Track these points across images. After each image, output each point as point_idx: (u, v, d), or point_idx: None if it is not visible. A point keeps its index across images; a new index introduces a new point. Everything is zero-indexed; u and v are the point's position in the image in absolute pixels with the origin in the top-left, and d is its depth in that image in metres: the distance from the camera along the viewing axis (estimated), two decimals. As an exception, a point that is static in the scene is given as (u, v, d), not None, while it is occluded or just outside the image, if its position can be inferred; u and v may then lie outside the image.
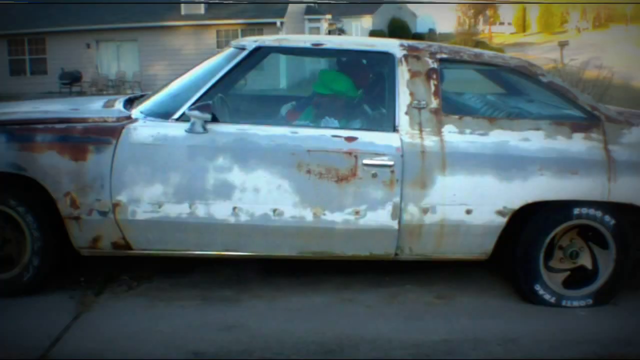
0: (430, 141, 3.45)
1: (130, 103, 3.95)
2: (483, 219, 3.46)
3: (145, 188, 3.40)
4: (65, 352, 3.04)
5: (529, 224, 3.54)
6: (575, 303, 3.62)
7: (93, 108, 3.90)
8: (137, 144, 3.42)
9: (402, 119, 3.49)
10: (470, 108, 4.13)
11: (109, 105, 3.95)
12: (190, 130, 3.40)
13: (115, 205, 3.42)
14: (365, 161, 3.40)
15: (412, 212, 3.43)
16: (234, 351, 3.08)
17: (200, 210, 3.42)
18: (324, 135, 3.47)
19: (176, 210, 3.42)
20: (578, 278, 3.67)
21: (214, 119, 3.45)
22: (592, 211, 3.52)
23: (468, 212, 3.44)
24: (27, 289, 3.58)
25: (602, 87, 10.72)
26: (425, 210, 3.43)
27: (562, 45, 19.40)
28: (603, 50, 25.38)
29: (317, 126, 3.64)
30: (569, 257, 3.64)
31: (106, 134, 3.45)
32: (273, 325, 3.34)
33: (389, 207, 3.42)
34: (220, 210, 3.42)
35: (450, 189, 3.42)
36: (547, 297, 3.60)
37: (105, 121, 3.54)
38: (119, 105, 3.88)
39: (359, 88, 4.01)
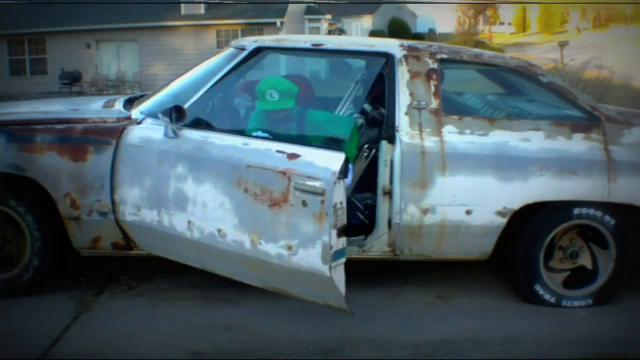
0: (430, 142, 3.45)
1: (130, 103, 3.95)
2: (483, 219, 3.45)
3: (136, 190, 3.36)
4: (65, 352, 3.04)
5: (529, 224, 3.54)
6: (575, 303, 3.62)
7: (93, 108, 3.90)
8: (130, 145, 3.42)
9: (402, 119, 3.49)
10: (470, 108, 4.13)
11: (108, 105, 3.95)
12: (165, 134, 3.30)
13: (115, 205, 3.42)
14: (297, 184, 2.90)
15: (412, 212, 3.43)
16: (234, 351, 3.09)
17: (165, 220, 3.27)
18: (269, 150, 3.07)
19: (149, 216, 3.33)
20: (578, 278, 3.67)
21: (204, 124, 3.36)
22: (592, 211, 3.52)
23: (468, 212, 3.44)
24: (27, 289, 3.58)
25: (602, 87, 10.71)
26: (425, 211, 3.43)
27: (562, 45, 19.39)
28: (603, 50, 25.35)
29: (271, 139, 3.26)
30: (569, 257, 3.65)
31: (106, 135, 3.45)
32: (273, 325, 3.34)
33: (318, 247, 2.84)
34: (179, 223, 3.22)
35: (450, 189, 3.42)
36: (547, 297, 3.60)
37: (105, 122, 3.54)
38: (118, 105, 3.88)
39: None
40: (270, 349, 3.10)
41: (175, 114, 3.21)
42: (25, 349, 3.04)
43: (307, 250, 2.87)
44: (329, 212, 2.80)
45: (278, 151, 3.04)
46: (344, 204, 2.86)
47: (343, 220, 2.88)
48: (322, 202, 2.81)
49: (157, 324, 3.34)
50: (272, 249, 2.98)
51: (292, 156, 2.98)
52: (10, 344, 3.09)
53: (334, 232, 2.82)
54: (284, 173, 2.93)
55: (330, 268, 2.82)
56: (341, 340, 3.20)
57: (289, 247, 2.92)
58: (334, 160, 2.87)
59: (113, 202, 3.42)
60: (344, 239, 2.87)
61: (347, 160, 2.88)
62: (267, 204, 2.95)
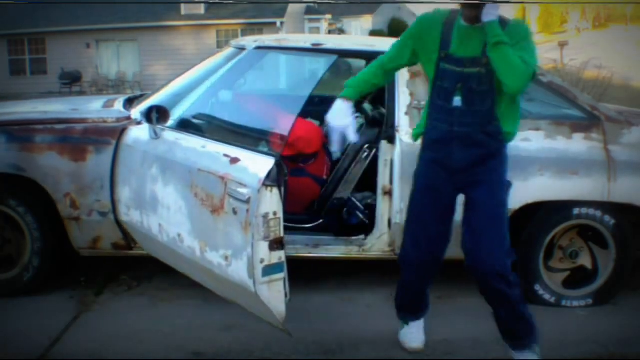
0: (430, 141, 3.44)
1: (130, 103, 3.95)
2: (483, 219, 3.44)
3: (127, 190, 3.35)
4: (65, 352, 3.04)
5: (529, 224, 3.53)
6: (575, 303, 3.62)
7: (93, 108, 3.89)
8: (126, 146, 3.41)
9: (402, 119, 3.49)
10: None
11: (108, 105, 3.95)
12: (149, 135, 3.25)
13: (115, 205, 3.42)
14: (230, 191, 2.68)
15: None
16: (234, 351, 3.09)
17: (145, 221, 3.21)
18: (218, 153, 2.88)
19: (135, 216, 3.29)
20: (578, 278, 3.67)
21: (193, 125, 3.32)
22: (592, 211, 3.52)
23: (468, 212, 3.43)
24: (27, 289, 3.58)
25: (602, 87, 10.70)
26: (425, 211, 3.41)
27: (562, 45, 19.38)
28: (603, 50, 25.34)
29: (228, 142, 3.00)
30: (569, 257, 3.64)
31: (106, 135, 3.45)
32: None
33: (244, 258, 2.62)
34: (154, 225, 3.15)
35: (450, 189, 3.40)
36: (547, 297, 3.60)
37: (105, 122, 3.54)
38: (118, 105, 3.88)
39: None
40: (270, 349, 3.10)
41: (156, 114, 3.14)
42: (25, 349, 3.03)
43: (238, 262, 2.65)
44: (253, 222, 2.55)
45: (225, 155, 2.84)
46: (280, 215, 2.59)
47: (278, 232, 2.60)
48: (248, 210, 2.57)
49: (157, 324, 3.34)
50: (214, 258, 2.79)
51: (234, 160, 2.78)
52: (10, 344, 3.09)
53: (265, 245, 2.58)
54: (222, 178, 2.73)
55: (255, 282, 2.58)
56: (341, 340, 3.20)
57: (226, 258, 2.72)
58: (263, 165, 2.62)
59: (113, 202, 3.42)
60: (281, 253, 2.62)
61: (279, 166, 2.61)
62: (210, 210, 2.77)
